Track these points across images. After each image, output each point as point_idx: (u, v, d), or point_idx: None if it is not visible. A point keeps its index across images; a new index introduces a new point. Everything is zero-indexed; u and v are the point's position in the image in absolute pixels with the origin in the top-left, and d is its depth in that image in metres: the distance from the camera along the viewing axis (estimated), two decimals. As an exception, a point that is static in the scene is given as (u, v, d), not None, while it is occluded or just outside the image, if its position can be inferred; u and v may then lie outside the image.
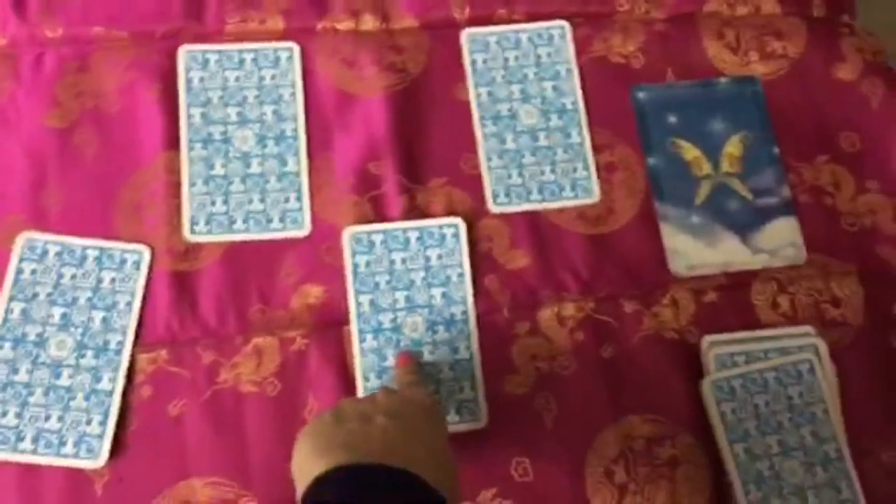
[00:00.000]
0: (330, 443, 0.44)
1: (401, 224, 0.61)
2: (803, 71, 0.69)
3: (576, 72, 0.67)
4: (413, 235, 0.61)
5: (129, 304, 0.57)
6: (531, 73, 0.67)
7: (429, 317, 0.60)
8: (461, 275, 0.61)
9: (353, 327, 0.59)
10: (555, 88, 0.66)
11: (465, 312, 0.60)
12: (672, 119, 0.67)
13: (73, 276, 0.57)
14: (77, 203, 0.60)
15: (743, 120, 0.68)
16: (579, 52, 0.68)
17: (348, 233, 0.60)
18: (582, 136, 0.65)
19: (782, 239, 0.65)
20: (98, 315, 0.57)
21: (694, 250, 0.64)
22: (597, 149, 0.66)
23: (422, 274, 0.60)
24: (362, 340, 0.59)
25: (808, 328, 0.62)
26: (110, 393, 0.55)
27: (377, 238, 0.61)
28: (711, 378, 0.59)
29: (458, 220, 0.62)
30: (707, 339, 0.61)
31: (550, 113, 0.66)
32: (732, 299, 0.63)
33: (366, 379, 0.58)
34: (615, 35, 0.69)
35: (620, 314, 0.62)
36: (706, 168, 0.66)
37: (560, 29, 0.68)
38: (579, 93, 0.67)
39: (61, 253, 0.58)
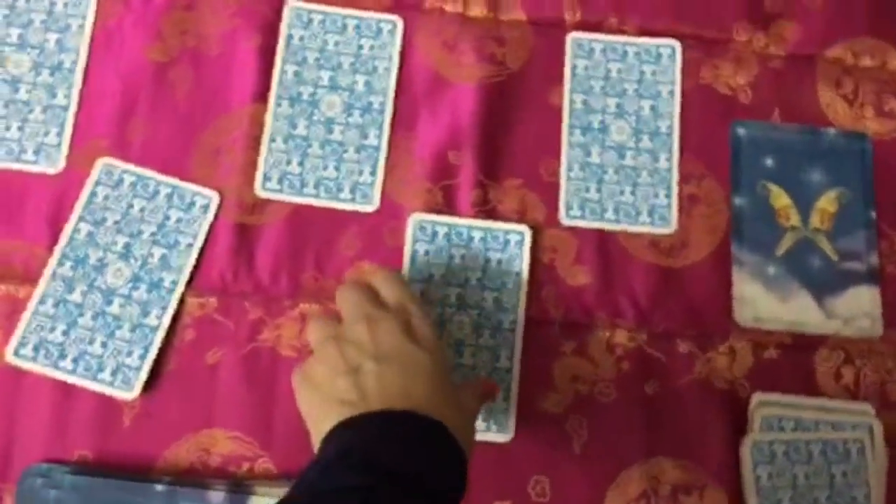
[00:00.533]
0: (328, 397, 0.45)
1: (467, 221, 0.61)
2: (921, 137, 0.66)
3: (678, 95, 0.65)
4: (477, 235, 0.60)
5: (189, 245, 0.59)
6: (631, 88, 0.65)
7: (477, 319, 0.59)
8: (517, 284, 0.60)
9: None
10: (652, 109, 0.65)
11: (513, 322, 0.59)
12: (768, 161, 0.65)
13: (142, 209, 0.59)
14: (160, 138, 0.61)
15: (844, 176, 0.65)
16: (685, 76, 0.65)
17: (414, 219, 0.60)
18: (670, 163, 0.64)
19: (860, 308, 0.62)
20: (158, 251, 0.58)
21: (764, 302, 0.62)
22: (683, 178, 0.64)
23: (478, 274, 0.60)
24: None
25: (867, 406, 0.60)
26: (155, 329, 0.57)
27: (441, 230, 0.60)
28: (754, 437, 0.57)
29: (525, 229, 0.61)
30: (758, 397, 0.59)
31: (643, 133, 0.64)
32: (794, 360, 0.61)
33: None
34: (726, 64, 0.66)
35: (673, 353, 0.60)
36: (794, 219, 0.64)
37: (670, 49, 0.66)
38: (677, 118, 0.64)
39: (135, 184, 0.59)
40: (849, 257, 0.63)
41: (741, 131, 0.65)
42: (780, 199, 0.64)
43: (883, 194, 0.65)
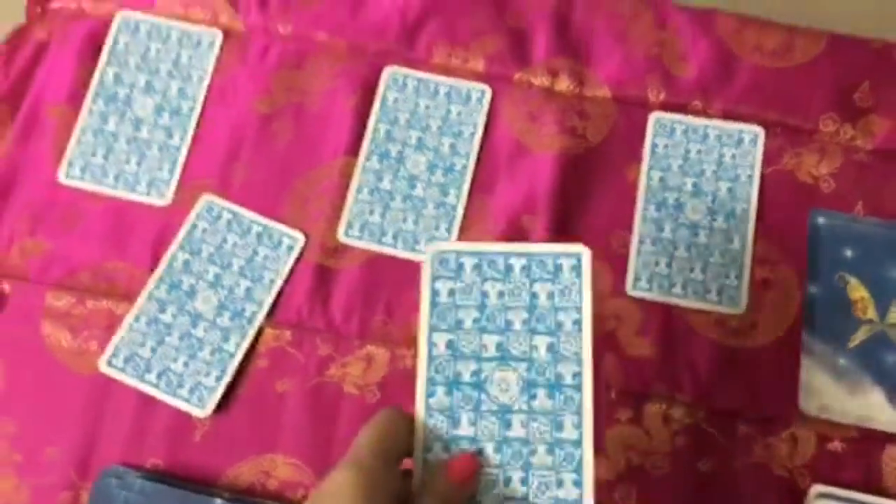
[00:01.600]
0: None
1: (503, 247, 0.48)
2: None
3: (756, 179, 0.67)
4: (517, 264, 0.48)
5: (272, 281, 0.65)
6: (710, 170, 0.67)
7: (526, 374, 0.46)
8: (579, 323, 0.47)
9: (421, 374, 0.46)
10: (730, 191, 0.67)
11: (578, 375, 0.46)
12: (848, 252, 0.66)
13: (235, 244, 0.66)
14: (258, 182, 0.68)
15: (928, 274, 0.65)
16: (766, 162, 0.68)
17: (431, 251, 0.48)
18: (744, 245, 0.65)
19: (936, 410, 0.61)
20: (244, 283, 0.64)
21: (832, 393, 0.62)
22: (757, 262, 0.65)
23: (523, 315, 0.47)
24: (431, 394, 0.46)
25: (934, 511, 0.58)
26: (233, 355, 0.62)
27: (468, 262, 0.48)
28: (807, 529, 0.57)
29: (583, 249, 0.48)
30: (817, 488, 0.59)
31: (718, 214, 0.66)
32: (860, 455, 0.61)
33: (427, 449, 0.45)
34: (810, 154, 0.68)
35: (732, 433, 0.61)
36: (871, 312, 0.64)
37: (752, 134, 0.68)
38: (754, 201, 0.67)
39: (232, 221, 0.66)
40: (927, 356, 0.63)
41: (821, 220, 0.67)
42: (858, 291, 0.65)
43: (969, 295, 0.64)
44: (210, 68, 0.71)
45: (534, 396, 0.46)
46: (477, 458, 0.44)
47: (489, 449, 0.45)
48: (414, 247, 0.66)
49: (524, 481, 0.44)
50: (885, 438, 0.61)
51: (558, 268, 0.47)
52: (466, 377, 0.46)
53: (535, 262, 0.48)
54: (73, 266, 0.66)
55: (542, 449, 0.45)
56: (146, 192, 0.68)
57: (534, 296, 0.47)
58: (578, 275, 0.47)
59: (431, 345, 0.47)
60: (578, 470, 0.44)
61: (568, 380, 0.46)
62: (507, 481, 0.44)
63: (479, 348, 0.47)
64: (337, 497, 0.39)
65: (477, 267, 0.48)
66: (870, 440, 0.61)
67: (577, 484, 0.44)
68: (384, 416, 0.44)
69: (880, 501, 0.59)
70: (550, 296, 0.47)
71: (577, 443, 0.45)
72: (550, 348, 0.46)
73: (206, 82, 0.71)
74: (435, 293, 0.47)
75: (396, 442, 0.43)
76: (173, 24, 0.72)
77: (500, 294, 0.47)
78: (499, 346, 0.47)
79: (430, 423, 0.45)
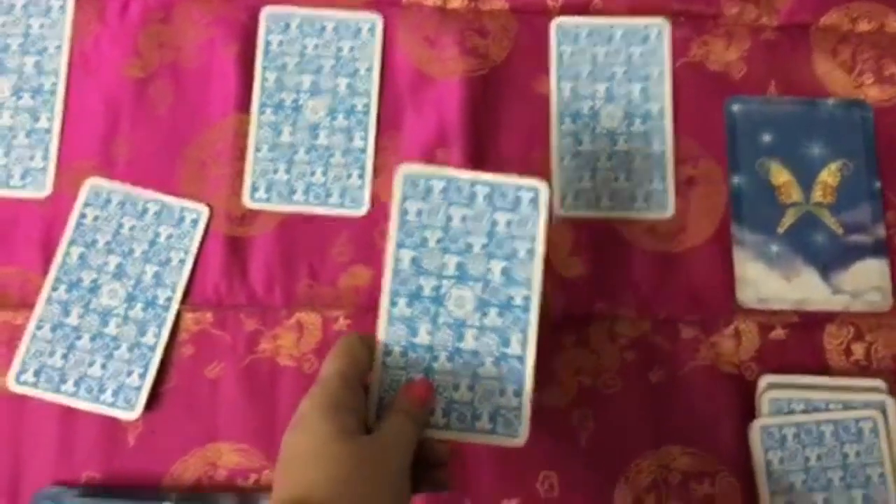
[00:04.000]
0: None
1: (470, 175, 0.52)
2: (924, 101, 0.67)
3: (668, 76, 0.66)
4: (482, 192, 0.52)
5: (181, 261, 0.61)
6: (620, 72, 0.66)
7: (481, 294, 0.51)
8: (532, 252, 0.52)
9: (386, 286, 0.51)
10: (643, 91, 0.66)
11: (527, 299, 0.51)
12: (766, 137, 0.66)
13: (132, 228, 0.61)
14: (145, 155, 0.64)
15: (845, 147, 0.66)
16: (675, 56, 0.67)
17: (403, 171, 0.52)
18: (664, 146, 0.65)
19: (868, 282, 0.63)
20: (151, 269, 0.61)
21: (767, 281, 0.63)
22: (679, 161, 0.65)
23: (483, 240, 0.52)
24: (393, 304, 0.51)
25: (879, 382, 0.61)
26: (153, 348, 0.59)
27: (437, 185, 0.52)
28: (762, 422, 0.59)
29: (541, 184, 0.52)
30: (765, 379, 0.61)
31: (634, 117, 0.66)
32: (802, 339, 0.63)
33: (386, 353, 0.50)
34: (717, 40, 0.67)
35: (676, 339, 0.62)
36: (795, 195, 0.65)
37: (657, 28, 0.67)
38: (668, 99, 0.66)
39: (124, 203, 0.62)
40: (854, 230, 0.65)
41: (736, 108, 0.66)
42: (781, 175, 0.66)
43: (887, 163, 0.66)
44: (66, 35, 0.65)
45: (486, 314, 0.51)
46: (430, 381, 0.50)
47: (442, 357, 0.51)
48: (327, 200, 0.63)
49: (471, 388, 0.51)
50: (824, 318, 0.63)
51: (518, 199, 0.52)
52: (427, 291, 0.51)
53: (498, 192, 0.52)
54: (-44, 280, 0.61)
55: (489, 361, 0.51)
56: (21, 184, 0.62)
57: (494, 223, 0.52)
58: (535, 207, 0.52)
59: (397, 260, 0.52)
60: (520, 381, 0.51)
61: (518, 301, 0.51)
62: (456, 387, 0.50)
63: (441, 266, 0.52)
64: (305, 419, 0.44)
65: (444, 191, 0.52)
66: (810, 323, 0.63)
67: (517, 394, 0.51)
68: (343, 341, 0.49)
69: (826, 380, 0.61)
70: (508, 224, 0.52)
71: (521, 358, 0.51)
72: (504, 272, 0.52)
73: (65, 52, 0.65)
74: (404, 212, 0.52)
75: (356, 363, 0.48)
76: (14, -9, 0.65)
77: (464, 218, 0.52)
78: (458, 266, 0.52)
79: (391, 331, 0.51)
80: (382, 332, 0.51)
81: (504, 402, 0.51)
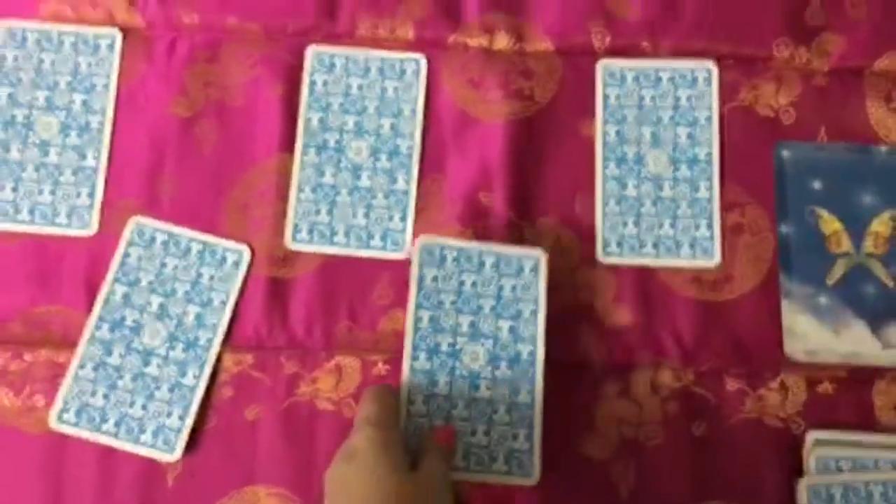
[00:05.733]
0: None
1: (478, 245, 0.61)
2: (980, 150, 0.66)
3: (716, 120, 0.66)
4: (489, 260, 0.60)
5: (223, 302, 0.62)
6: (666, 116, 0.66)
7: (492, 349, 0.59)
8: (534, 313, 0.60)
9: (407, 342, 0.59)
10: (689, 136, 0.65)
11: (532, 353, 0.59)
12: (816, 185, 0.65)
13: (175, 268, 0.62)
14: (189, 194, 0.64)
15: (898, 196, 0.65)
16: (723, 100, 0.66)
17: (421, 242, 0.60)
18: (711, 192, 0.64)
19: (920, 336, 0.62)
20: (193, 310, 0.61)
21: (816, 334, 0.62)
22: (726, 207, 0.65)
23: (491, 302, 0.60)
24: (415, 358, 0.59)
25: (930, 441, 0.60)
26: (193, 389, 0.60)
27: (450, 254, 0.60)
28: (809, 481, 0.58)
29: (540, 253, 0.60)
30: (813, 435, 0.60)
31: (680, 162, 0.65)
32: (850, 394, 0.62)
33: (410, 402, 0.57)
34: (767, 84, 0.66)
35: (721, 391, 0.61)
36: (846, 245, 0.64)
37: (705, 71, 0.66)
38: (716, 144, 0.65)
39: (167, 242, 0.63)
40: (906, 282, 0.64)
41: (785, 153, 0.66)
42: (831, 224, 0.65)
43: (941, 213, 0.65)
44: (114, 73, 0.66)
45: (497, 367, 0.59)
46: (453, 427, 0.57)
47: (460, 405, 0.58)
48: (369, 243, 0.64)
49: (487, 433, 0.58)
50: (873, 373, 0.62)
51: (521, 267, 0.61)
52: (444, 347, 0.59)
53: (503, 261, 0.61)
54: (1, 317, 0.62)
55: (502, 409, 0.58)
56: (66, 222, 0.63)
57: (500, 288, 0.61)
58: (536, 274, 0.61)
59: (417, 318, 0.60)
60: (530, 426, 0.58)
61: (525, 356, 0.59)
62: (473, 433, 0.58)
63: (456, 325, 0.60)
64: (360, 455, 0.49)
65: (456, 259, 0.61)
66: (859, 378, 0.62)
67: (528, 438, 0.58)
68: (374, 389, 0.55)
69: (876, 438, 0.60)
70: (514, 288, 0.61)
71: (530, 405, 0.58)
72: (512, 330, 0.60)
73: (113, 90, 0.66)
74: (422, 278, 0.60)
75: (392, 407, 0.55)
76: (65, 29, 0.66)
77: (474, 283, 0.61)
78: (471, 325, 0.60)
79: (414, 382, 0.58)
80: (406, 384, 0.58)
81: (517, 446, 0.58)
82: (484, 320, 0.60)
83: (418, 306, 0.60)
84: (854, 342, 0.63)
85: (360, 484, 0.48)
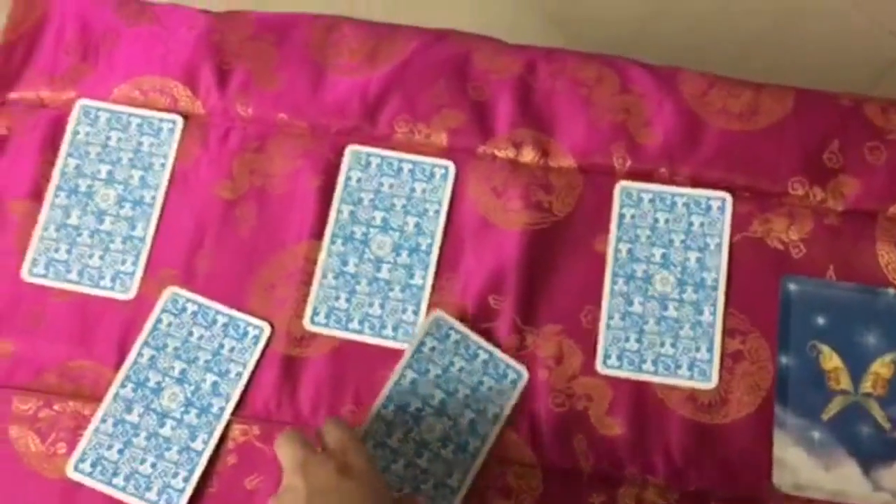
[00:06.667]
0: None
1: (479, 340, 0.67)
2: None
3: (725, 248, 0.68)
4: (482, 356, 0.67)
5: (239, 374, 0.66)
6: (678, 239, 0.69)
7: (447, 430, 0.65)
8: (497, 418, 0.66)
9: (384, 391, 0.66)
10: (699, 261, 0.68)
11: (477, 449, 0.65)
12: (820, 320, 0.67)
13: (201, 337, 0.67)
14: (223, 270, 0.70)
15: (903, 340, 0.66)
16: (736, 229, 0.69)
17: (435, 315, 0.68)
18: (714, 317, 0.67)
19: (913, 482, 0.62)
20: (211, 378, 0.66)
21: (806, 468, 0.63)
22: (728, 333, 0.67)
23: (466, 391, 0.66)
24: (385, 406, 0.67)
25: (913, 591, 0.60)
26: (200, 453, 0.64)
27: (453, 335, 0.68)
28: None
29: (524, 371, 0.67)
30: (793, 570, 0.60)
31: (687, 285, 0.68)
32: (836, 532, 0.62)
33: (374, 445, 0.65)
34: (780, 219, 0.69)
35: (705, 514, 0.63)
36: (845, 382, 0.65)
37: (720, 201, 0.69)
38: (723, 271, 0.68)
39: (197, 313, 0.68)
40: (903, 426, 0.64)
41: (792, 287, 0.68)
42: (831, 360, 0.66)
43: (946, 361, 0.65)
44: (171, 155, 0.73)
45: (445, 446, 0.65)
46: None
47: (401, 463, 0.65)
48: (381, 332, 0.68)
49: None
50: (862, 514, 0.62)
51: (505, 374, 0.67)
52: (412, 409, 0.66)
53: (492, 363, 0.67)
54: (39, 367, 0.68)
55: (430, 483, 0.64)
56: (111, 286, 0.70)
57: (480, 383, 0.67)
58: (514, 388, 0.67)
59: (402, 376, 0.67)
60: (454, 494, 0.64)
61: (470, 448, 0.65)
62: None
63: (430, 396, 0.66)
64: (368, 471, 0.56)
65: (456, 343, 0.67)
66: (846, 516, 0.62)
67: (454, 491, 0.64)
68: (333, 420, 0.61)
69: (857, 581, 0.60)
70: (490, 389, 0.67)
71: (454, 492, 0.64)
72: (470, 423, 0.66)
73: (168, 169, 0.73)
74: (422, 343, 0.67)
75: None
76: (133, 112, 0.74)
77: (461, 369, 0.67)
78: (441, 402, 0.67)
79: (377, 426, 0.66)
80: (369, 422, 0.66)
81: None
82: (453, 403, 0.66)
83: (407, 366, 0.67)
84: (844, 480, 0.63)
85: (364, 499, 0.55)
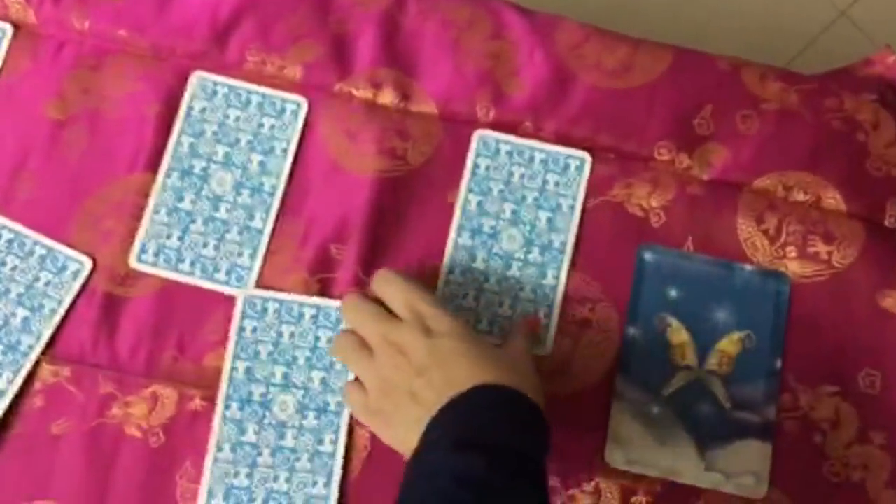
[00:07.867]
0: (403, 419, 0.56)
1: (299, 298, 0.64)
2: (844, 286, 0.65)
3: (578, 211, 0.66)
4: (308, 312, 0.64)
5: (53, 310, 0.62)
6: (531, 197, 0.66)
7: (302, 399, 0.62)
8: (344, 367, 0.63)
9: (222, 392, 0.62)
10: (549, 221, 0.65)
11: (339, 404, 0.62)
12: (673, 293, 0.65)
13: (14, 268, 0.63)
14: (46, 197, 0.65)
15: (753, 318, 0.64)
16: (595, 193, 0.66)
17: (243, 296, 0.64)
18: (557, 281, 0.64)
19: (745, 464, 0.62)
20: (21, 313, 0.61)
21: (640, 443, 0.62)
22: (577, 300, 0.64)
23: (306, 353, 0.63)
24: (227, 408, 0.62)
25: (731, 573, 0.59)
26: (3, 393, 0.60)
27: (271, 306, 0.64)
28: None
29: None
30: (614, 546, 0.59)
31: (534, 245, 0.65)
32: (664, 510, 0.61)
33: (218, 449, 0.61)
34: (642, 184, 0.66)
35: (532, 485, 0.61)
36: (690, 358, 0.64)
37: (578, 160, 0.66)
38: (573, 234, 0.65)
39: (12, 241, 0.63)
40: (743, 407, 0.63)
41: (648, 256, 0.65)
42: (679, 334, 0.64)
43: (794, 343, 0.64)
44: (-4, 66, 0.67)
45: (305, 416, 0.62)
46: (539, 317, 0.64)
47: (266, 454, 0.61)
48: (213, 275, 0.64)
49: (288, 480, 0.61)
50: (691, 492, 0.61)
51: (339, 319, 0.64)
52: (256, 397, 0.62)
53: (322, 312, 0.64)
54: None
55: (304, 457, 0.61)
56: (-82, 206, 0.64)
57: (317, 339, 0.64)
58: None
59: (233, 369, 0.63)
60: (329, 475, 0.61)
61: (332, 407, 0.63)
62: (276, 478, 0.61)
63: (270, 375, 0.63)
64: (463, 326, 0.58)
65: (277, 311, 0.64)
66: (675, 495, 0.61)
67: (327, 485, 0.61)
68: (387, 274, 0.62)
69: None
70: (329, 341, 0.64)
71: (332, 455, 0.61)
72: (323, 381, 0.63)
73: (-8, 82, 0.67)
74: (241, 329, 0.63)
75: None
76: (-44, 15, 0.67)
77: (292, 334, 0.64)
78: (284, 376, 0.63)
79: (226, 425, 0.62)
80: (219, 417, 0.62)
81: (315, 492, 0.61)
82: (297, 371, 0.63)
83: (235, 357, 0.63)
84: (677, 458, 0.62)
85: (470, 349, 0.55)
